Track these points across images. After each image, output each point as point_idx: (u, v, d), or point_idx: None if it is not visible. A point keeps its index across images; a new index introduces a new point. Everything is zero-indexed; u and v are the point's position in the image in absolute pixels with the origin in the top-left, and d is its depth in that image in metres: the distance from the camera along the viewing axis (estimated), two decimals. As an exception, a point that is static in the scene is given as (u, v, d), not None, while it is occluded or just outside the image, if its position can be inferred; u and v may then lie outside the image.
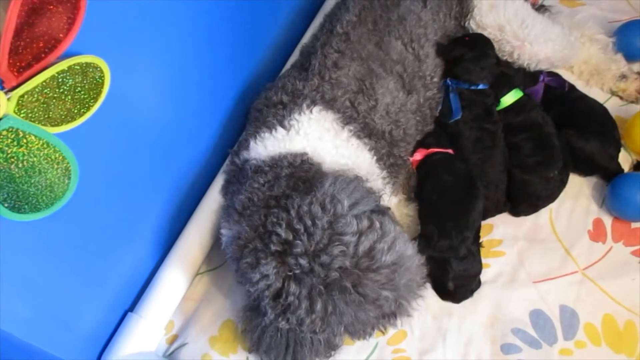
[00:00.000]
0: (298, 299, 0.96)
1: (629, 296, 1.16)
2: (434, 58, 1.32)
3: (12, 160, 0.76)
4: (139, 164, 1.10)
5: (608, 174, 1.29)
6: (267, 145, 1.15)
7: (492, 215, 1.27)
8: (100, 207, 1.03)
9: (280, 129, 1.15)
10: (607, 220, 1.26)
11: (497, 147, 1.27)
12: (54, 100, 0.79)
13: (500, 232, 1.27)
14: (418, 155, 1.28)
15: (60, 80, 0.78)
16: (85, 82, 0.82)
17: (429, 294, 1.18)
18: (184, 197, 1.28)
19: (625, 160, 1.32)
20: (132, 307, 1.22)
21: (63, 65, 0.78)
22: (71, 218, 0.94)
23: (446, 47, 1.35)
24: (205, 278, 1.28)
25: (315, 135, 1.15)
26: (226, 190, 1.22)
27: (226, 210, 1.16)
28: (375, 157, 1.20)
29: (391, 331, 1.14)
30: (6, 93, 0.73)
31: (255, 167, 1.13)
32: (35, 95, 0.76)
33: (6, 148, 0.75)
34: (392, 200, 1.26)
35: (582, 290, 1.18)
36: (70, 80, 0.80)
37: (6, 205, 0.77)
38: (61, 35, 0.76)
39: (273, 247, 0.98)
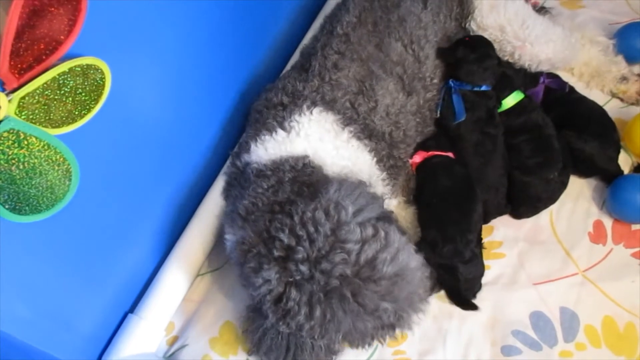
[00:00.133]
0: (298, 305, 0.96)
1: (629, 298, 1.16)
2: (434, 59, 1.32)
3: (13, 161, 0.76)
4: (140, 165, 1.10)
5: (608, 176, 1.29)
6: (268, 148, 1.15)
7: (493, 217, 1.28)
8: (100, 207, 1.03)
9: (280, 131, 1.15)
10: (608, 222, 1.27)
11: (498, 150, 1.26)
12: (55, 102, 0.79)
13: (501, 233, 1.27)
14: (417, 158, 1.28)
15: (61, 81, 0.78)
16: (86, 83, 0.82)
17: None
18: (184, 198, 1.28)
19: (625, 162, 1.32)
20: (133, 308, 1.22)
21: (64, 67, 0.78)
22: (71, 219, 0.94)
23: (447, 49, 1.34)
24: (206, 279, 1.28)
25: (316, 137, 1.15)
26: (227, 193, 1.22)
27: (230, 215, 1.15)
28: (375, 159, 1.20)
29: (391, 333, 1.15)
30: (7, 95, 0.73)
31: (257, 171, 1.13)
32: (36, 97, 0.76)
33: (7, 150, 0.74)
34: (391, 202, 1.26)
35: (583, 292, 1.18)
36: (71, 82, 0.80)
37: (7, 206, 0.77)
38: (62, 37, 0.76)
39: (276, 253, 0.98)
